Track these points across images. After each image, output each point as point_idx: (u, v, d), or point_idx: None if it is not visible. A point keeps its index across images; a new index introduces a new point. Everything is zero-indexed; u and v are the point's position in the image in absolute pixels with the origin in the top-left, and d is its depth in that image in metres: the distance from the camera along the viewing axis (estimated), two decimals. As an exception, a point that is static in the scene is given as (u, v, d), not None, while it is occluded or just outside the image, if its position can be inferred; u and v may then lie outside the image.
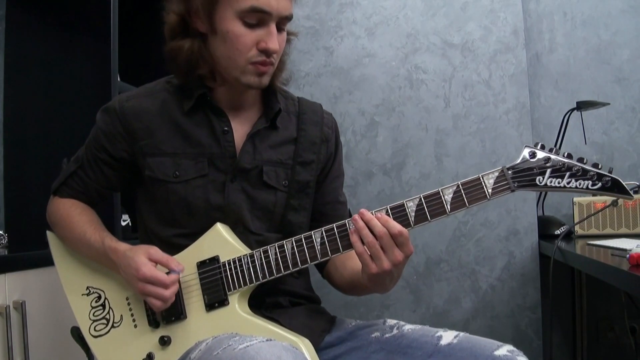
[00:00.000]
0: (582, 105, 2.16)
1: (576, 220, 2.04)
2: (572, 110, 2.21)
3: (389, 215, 1.06)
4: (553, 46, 2.42)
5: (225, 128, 1.19)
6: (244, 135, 1.21)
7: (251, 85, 1.16)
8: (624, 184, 1.02)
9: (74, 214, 1.25)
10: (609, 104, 2.18)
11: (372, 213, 1.06)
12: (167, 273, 1.11)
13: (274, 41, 1.12)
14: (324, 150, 1.28)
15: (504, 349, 1.06)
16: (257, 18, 1.10)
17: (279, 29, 1.14)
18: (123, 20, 1.87)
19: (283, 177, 1.22)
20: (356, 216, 1.06)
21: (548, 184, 1.03)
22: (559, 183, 1.03)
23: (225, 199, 1.18)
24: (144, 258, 1.11)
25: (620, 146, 2.39)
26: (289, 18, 1.14)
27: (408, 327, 1.17)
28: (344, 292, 1.30)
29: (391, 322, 1.20)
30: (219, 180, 1.19)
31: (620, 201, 1.97)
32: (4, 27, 1.87)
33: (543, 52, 2.42)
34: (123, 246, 1.16)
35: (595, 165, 1.02)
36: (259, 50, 1.12)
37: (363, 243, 1.05)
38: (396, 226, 1.04)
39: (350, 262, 1.22)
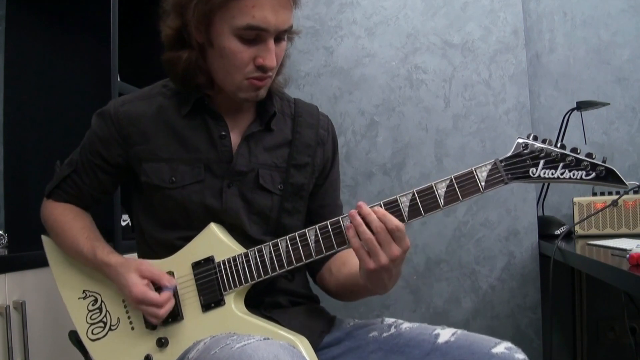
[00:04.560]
0: (582, 105, 2.16)
1: (576, 220, 2.04)
2: (572, 110, 2.21)
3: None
4: (553, 46, 2.42)
5: (223, 133, 1.19)
6: (240, 139, 1.20)
7: (248, 100, 1.16)
8: (618, 173, 0.99)
9: (66, 220, 1.24)
10: (609, 104, 2.18)
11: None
12: (158, 287, 1.13)
13: (271, 58, 1.10)
14: (320, 153, 1.27)
15: (502, 346, 1.05)
16: (254, 35, 1.08)
17: (279, 39, 1.11)
18: (123, 20, 1.86)
19: (278, 181, 1.21)
20: (353, 212, 1.05)
21: (542, 175, 1.02)
22: (552, 174, 1.01)
23: (222, 204, 1.17)
24: (135, 277, 1.12)
25: (620, 146, 2.39)
26: (287, 30, 1.11)
27: (406, 325, 1.17)
28: (338, 298, 1.28)
29: (389, 320, 1.20)
30: (216, 185, 1.18)
31: (621, 201, 1.97)
32: (4, 27, 1.87)
33: (543, 52, 2.42)
34: (114, 260, 1.16)
35: (589, 155, 1.01)
36: (255, 66, 1.10)
37: (360, 239, 1.04)
38: (393, 221, 1.02)
39: (346, 267, 1.21)
